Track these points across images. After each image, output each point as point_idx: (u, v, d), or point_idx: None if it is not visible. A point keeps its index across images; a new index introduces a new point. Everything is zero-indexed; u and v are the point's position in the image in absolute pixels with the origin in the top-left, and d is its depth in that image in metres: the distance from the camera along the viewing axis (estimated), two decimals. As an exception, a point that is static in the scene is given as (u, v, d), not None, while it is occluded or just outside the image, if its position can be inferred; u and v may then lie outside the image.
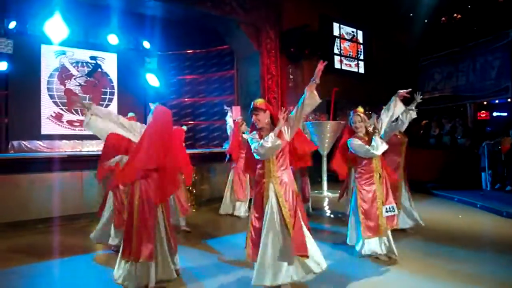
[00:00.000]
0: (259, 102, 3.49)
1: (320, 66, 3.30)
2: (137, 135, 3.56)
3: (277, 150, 3.35)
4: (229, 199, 6.86)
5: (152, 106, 3.75)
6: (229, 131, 7.17)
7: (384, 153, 5.30)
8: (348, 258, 4.29)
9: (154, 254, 3.38)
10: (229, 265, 4.20)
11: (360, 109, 4.40)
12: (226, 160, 7.00)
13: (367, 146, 4.19)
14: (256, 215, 3.43)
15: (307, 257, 3.26)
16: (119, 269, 3.47)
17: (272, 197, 3.34)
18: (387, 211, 4.22)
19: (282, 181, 3.38)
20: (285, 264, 3.26)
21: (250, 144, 3.48)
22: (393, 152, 5.20)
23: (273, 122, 3.45)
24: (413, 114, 5.17)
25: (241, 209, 6.72)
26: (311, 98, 3.30)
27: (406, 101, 5.40)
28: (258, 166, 3.49)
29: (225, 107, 7.52)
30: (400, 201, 5.23)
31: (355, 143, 4.27)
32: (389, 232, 4.24)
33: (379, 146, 4.16)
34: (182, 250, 4.32)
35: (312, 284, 3.57)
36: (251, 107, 3.47)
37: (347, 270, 4.00)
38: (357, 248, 4.32)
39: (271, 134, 3.26)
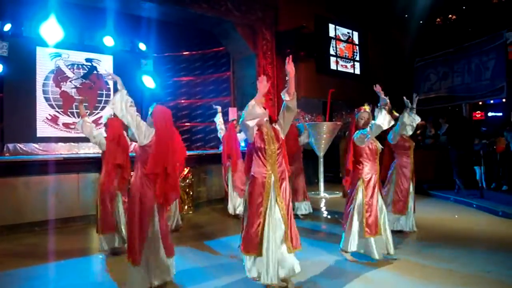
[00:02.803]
0: None
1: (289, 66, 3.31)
2: (140, 135, 3.51)
3: (276, 148, 3.45)
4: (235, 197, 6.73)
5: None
6: (219, 134, 7.01)
7: (396, 156, 5.52)
8: (344, 258, 4.30)
9: (140, 258, 3.33)
10: (229, 266, 4.19)
11: (366, 107, 4.42)
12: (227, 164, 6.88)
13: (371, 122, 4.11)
14: (253, 211, 3.44)
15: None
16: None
17: (270, 193, 3.41)
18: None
19: (280, 178, 3.48)
20: (285, 259, 3.34)
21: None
22: (404, 155, 5.51)
23: (271, 121, 3.58)
24: (417, 118, 5.44)
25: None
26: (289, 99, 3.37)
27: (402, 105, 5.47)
28: (257, 163, 3.51)
29: (214, 106, 7.26)
30: (409, 205, 5.42)
31: (361, 132, 4.17)
32: (388, 233, 4.26)
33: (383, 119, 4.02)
34: (181, 252, 4.32)
35: (309, 283, 3.59)
36: None
37: (342, 270, 4.01)
38: (349, 248, 4.32)
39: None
